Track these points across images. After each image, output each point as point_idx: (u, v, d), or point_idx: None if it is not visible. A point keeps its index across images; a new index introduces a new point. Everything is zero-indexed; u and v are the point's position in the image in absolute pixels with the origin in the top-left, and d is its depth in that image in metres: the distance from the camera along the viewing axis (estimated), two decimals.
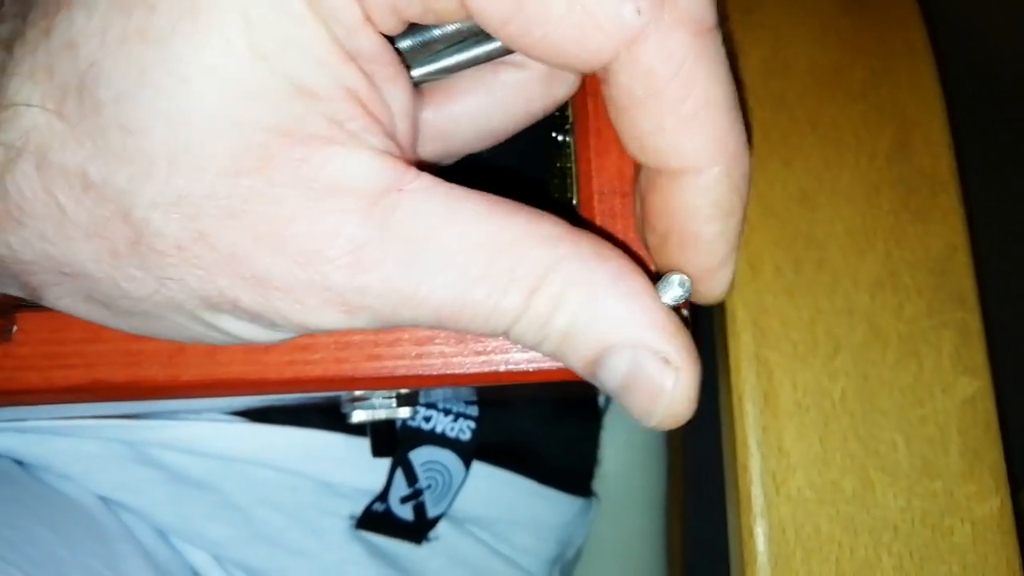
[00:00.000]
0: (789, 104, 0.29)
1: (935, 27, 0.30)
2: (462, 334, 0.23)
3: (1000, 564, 0.26)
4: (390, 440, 0.32)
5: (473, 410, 0.46)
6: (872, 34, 0.30)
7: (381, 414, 0.29)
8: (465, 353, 0.23)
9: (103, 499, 0.42)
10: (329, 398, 0.29)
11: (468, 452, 0.46)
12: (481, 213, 0.18)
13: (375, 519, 0.45)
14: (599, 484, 0.56)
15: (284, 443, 0.44)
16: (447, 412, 0.46)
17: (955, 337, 0.28)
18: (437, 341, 0.23)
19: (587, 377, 0.20)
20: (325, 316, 0.18)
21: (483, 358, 0.23)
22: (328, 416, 0.44)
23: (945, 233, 0.28)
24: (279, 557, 0.44)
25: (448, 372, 0.23)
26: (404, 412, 0.29)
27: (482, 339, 0.23)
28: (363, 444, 0.44)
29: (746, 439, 0.27)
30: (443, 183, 0.19)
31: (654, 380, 0.19)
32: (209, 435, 0.43)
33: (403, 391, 0.28)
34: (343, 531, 0.45)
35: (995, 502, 0.27)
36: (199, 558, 0.44)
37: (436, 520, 0.46)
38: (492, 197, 0.19)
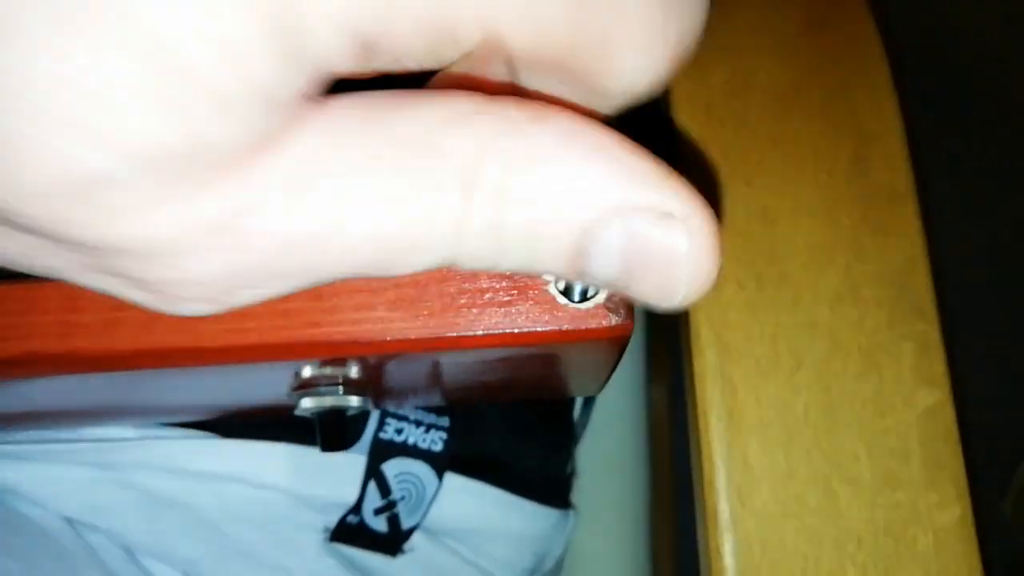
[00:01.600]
0: (750, 123, 0.29)
1: (899, 40, 0.31)
2: (411, 300, 0.22)
3: (962, 572, 0.27)
4: (339, 432, 0.31)
5: (444, 420, 0.46)
6: (831, 53, 0.30)
7: (328, 402, 0.28)
8: (406, 318, 0.22)
9: (71, 521, 0.42)
10: (279, 397, 0.28)
11: (440, 463, 0.46)
12: (390, 118, 0.14)
13: (349, 531, 0.45)
14: (578, 495, 0.56)
15: (256, 458, 0.44)
16: (419, 424, 0.46)
17: (915, 349, 0.28)
18: (379, 308, 0.22)
19: (581, 279, 0.15)
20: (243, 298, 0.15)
21: (424, 321, 0.22)
22: (300, 430, 0.44)
23: (904, 246, 0.29)
24: (253, 572, 0.44)
25: (389, 338, 0.22)
26: (354, 401, 0.27)
27: (425, 300, 0.22)
28: (335, 456, 0.44)
29: (711, 454, 0.27)
30: (344, 99, 0.14)
31: (662, 244, 0.14)
32: (181, 453, 0.43)
33: (351, 375, 0.27)
34: (318, 544, 0.45)
35: (957, 510, 0.27)
36: None
37: (410, 531, 0.46)
38: (394, 95, 0.14)
